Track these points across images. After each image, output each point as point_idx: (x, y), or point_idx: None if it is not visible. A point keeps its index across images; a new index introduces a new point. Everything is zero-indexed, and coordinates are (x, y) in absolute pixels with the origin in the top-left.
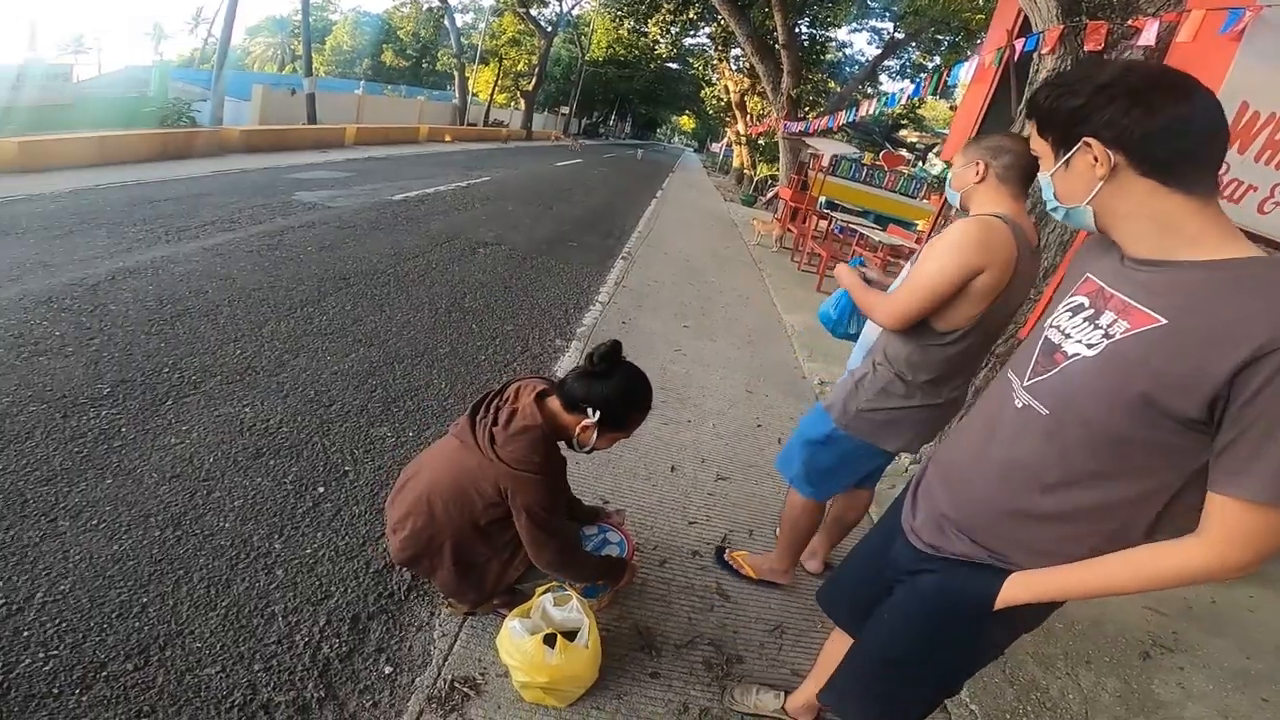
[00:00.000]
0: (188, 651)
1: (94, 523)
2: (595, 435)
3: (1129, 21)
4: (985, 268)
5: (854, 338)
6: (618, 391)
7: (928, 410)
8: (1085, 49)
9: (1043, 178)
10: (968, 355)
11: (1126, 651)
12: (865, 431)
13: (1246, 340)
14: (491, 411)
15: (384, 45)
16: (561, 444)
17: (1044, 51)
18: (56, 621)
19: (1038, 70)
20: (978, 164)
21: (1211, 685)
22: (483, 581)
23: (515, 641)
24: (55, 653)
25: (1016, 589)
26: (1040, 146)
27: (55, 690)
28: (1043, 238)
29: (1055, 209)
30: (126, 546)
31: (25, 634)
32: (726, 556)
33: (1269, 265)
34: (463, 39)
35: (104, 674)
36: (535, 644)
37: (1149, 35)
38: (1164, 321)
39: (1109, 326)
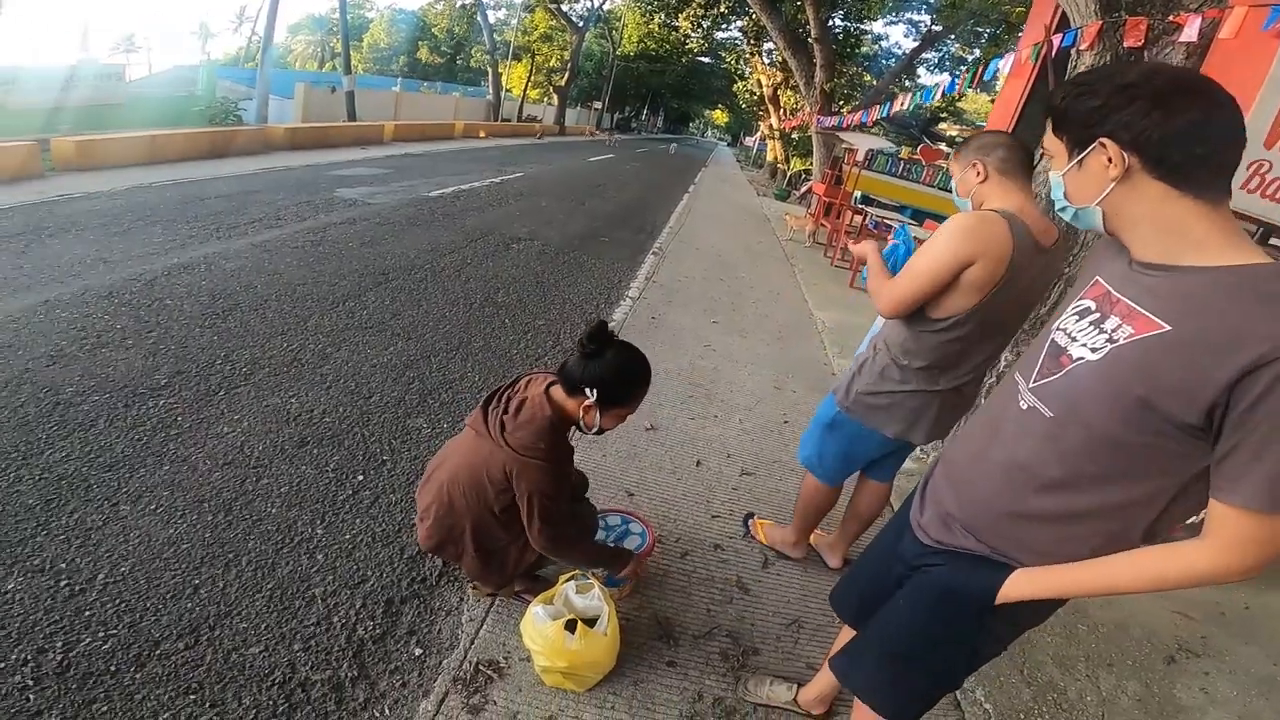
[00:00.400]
0: (234, 631)
1: (152, 507)
2: (598, 415)
3: (1170, 18)
4: (976, 259)
5: None
6: (611, 369)
7: (923, 396)
8: (1124, 45)
9: (1053, 177)
10: (965, 344)
11: (1151, 655)
12: (863, 414)
13: (1247, 348)
14: (503, 402)
15: (419, 42)
16: (575, 432)
17: (1082, 48)
18: (116, 602)
19: (1075, 66)
20: (975, 165)
21: (1236, 691)
22: (504, 565)
23: (538, 626)
24: (114, 632)
25: (1019, 585)
26: (1054, 145)
27: (112, 668)
28: (1081, 236)
29: (1064, 209)
30: (182, 530)
31: (87, 614)
32: (752, 522)
33: (1274, 272)
34: (495, 35)
35: (157, 652)
36: (556, 629)
37: (1190, 31)
38: (1167, 327)
39: (1113, 331)
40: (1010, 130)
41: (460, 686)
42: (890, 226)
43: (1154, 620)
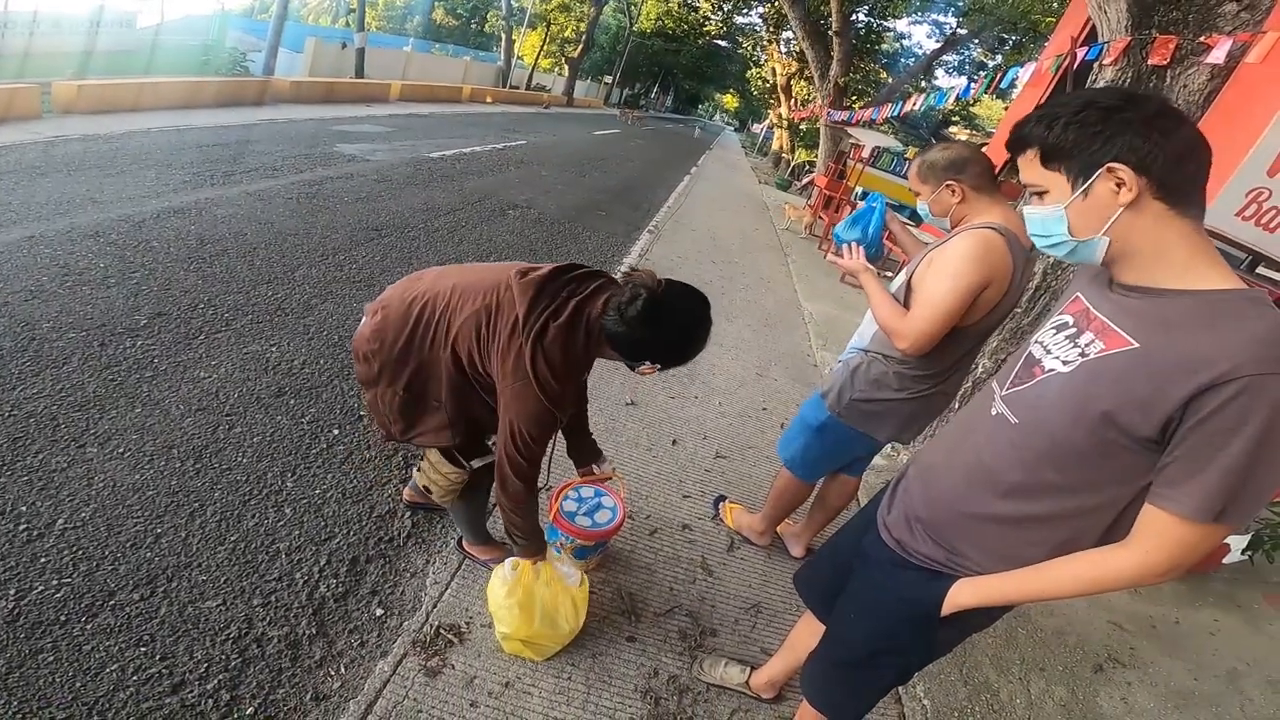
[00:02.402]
0: (193, 584)
1: (120, 451)
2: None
3: (1201, 38)
4: (991, 281)
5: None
6: (670, 344)
7: (918, 402)
8: (1149, 63)
9: (1045, 212)
10: (960, 352)
11: (1081, 663)
12: (857, 420)
13: (1206, 369)
14: (560, 295)
15: (436, 3)
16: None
17: (1105, 62)
18: (74, 549)
19: (1095, 80)
20: (950, 187)
21: (1154, 703)
22: (414, 421)
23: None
24: (69, 580)
25: (963, 594)
26: (1047, 178)
27: (63, 618)
28: None
29: (1058, 244)
30: (148, 476)
31: (43, 560)
32: (722, 505)
33: (1243, 298)
34: (513, 1)
35: (111, 603)
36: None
37: (1219, 54)
38: (1136, 345)
39: (1086, 346)
40: None
41: (419, 649)
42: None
43: (1089, 628)
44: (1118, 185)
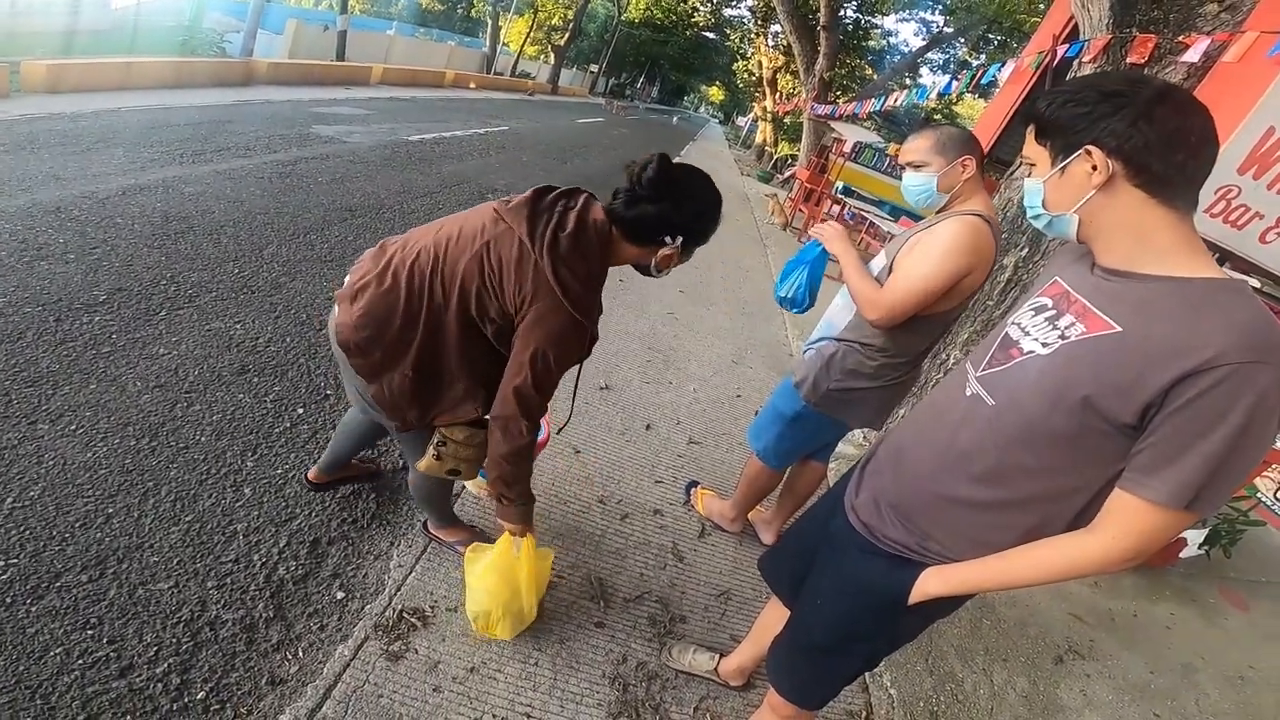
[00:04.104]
0: (144, 565)
1: (73, 428)
2: (678, 259)
3: (1179, 38)
4: (974, 269)
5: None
6: (691, 211)
7: (892, 389)
8: (1127, 61)
9: (1031, 184)
10: (933, 337)
11: (1042, 654)
12: (832, 408)
13: (1190, 355)
14: (555, 211)
15: None
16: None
17: (1085, 59)
18: (20, 529)
19: (1075, 78)
20: (965, 161)
21: (1112, 695)
22: (435, 399)
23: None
24: (14, 561)
25: (930, 583)
26: (1036, 153)
27: (7, 600)
28: (1044, 244)
29: (1038, 216)
30: (101, 454)
31: None
32: (694, 491)
33: (1226, 287)
34: None
35: (58, 584)
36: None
37: (1195, 53)
38: (1118, 329)
39: (1066, 328)
40: (998, 135)
41: (381, 633)
42: (865, 218)
43: (1051, 620)
44: (1093, 168)
